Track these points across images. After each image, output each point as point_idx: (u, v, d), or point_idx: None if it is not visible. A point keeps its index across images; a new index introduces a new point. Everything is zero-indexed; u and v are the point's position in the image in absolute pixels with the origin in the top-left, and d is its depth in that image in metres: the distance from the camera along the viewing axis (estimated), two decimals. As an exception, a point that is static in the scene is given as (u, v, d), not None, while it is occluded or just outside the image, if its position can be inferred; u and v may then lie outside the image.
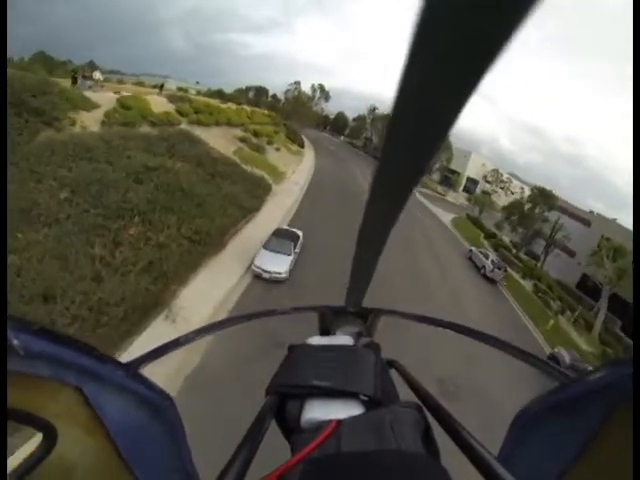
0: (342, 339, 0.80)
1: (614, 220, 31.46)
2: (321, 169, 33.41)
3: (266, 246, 12.97)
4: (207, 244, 12.08)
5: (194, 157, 16.97)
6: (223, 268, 11.67)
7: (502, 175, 64.36)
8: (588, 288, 27.97)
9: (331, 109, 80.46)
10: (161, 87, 32.76)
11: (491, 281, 22.50)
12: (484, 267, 22.93)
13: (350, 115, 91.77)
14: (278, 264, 12.22)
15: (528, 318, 19.65)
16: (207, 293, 10.28)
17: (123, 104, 19.48)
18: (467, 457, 0.44)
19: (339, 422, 0.50)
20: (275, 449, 0.72)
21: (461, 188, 63.09)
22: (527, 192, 74.93)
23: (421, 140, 0.31)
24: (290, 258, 12.74)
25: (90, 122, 16.74)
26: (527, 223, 33.53)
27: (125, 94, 21.43)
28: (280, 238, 13.56)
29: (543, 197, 34.15)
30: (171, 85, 51.33)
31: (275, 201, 19.59)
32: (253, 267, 12.03)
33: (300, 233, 14.61)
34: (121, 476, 0.54)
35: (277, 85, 55.00)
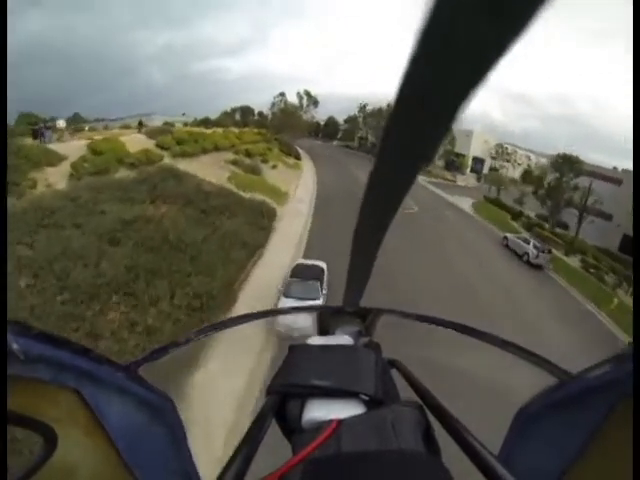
0: (342, 339, 0.81)
1: None
2: (324, 179, 30.83)
3: (287, 293, 10.23)
4: (211, 307, 9.40)
5: (181, 196, 14.33)
6: (236, 340, 8.82)
7: (507, 148, 61.41)
8: (630, 249, 25.66)
9: (321, 116, 78.25)
10: (140, 124, 29.76)
11: (536, 267, 19.74)
12: (527, 254, 20.29)
13: (340, 118, 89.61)
14: (306, 315, 9.35)
15: (588, 302, 17.02)
16: (221, 387, 7.50)
17: (94, 150, 17.07)
18: (468, 456, 0.45)
19: (340, 422, 0.50)
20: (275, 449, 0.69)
21: (468, 170, 59.89)
22: (533, 159, 71.99)
23: (418, 140, 0.31)
24: (319, 303, 9.79)
25: (56, 178, 14.33)
26: (557, 195, 30.21)
27: (97, 138, 19.10)
28: (301, 279, 10.77)
29: (568, 164, 30.90)
30: (157, 122, 49.39)
31: (283, 228, 16.93)
32: (276, 327, 9.08)
33: (324, 265, 11.78)
34: (122, 478, 0.54)
35: (262, 102, 53.35)
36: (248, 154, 28.51)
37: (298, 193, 23.77)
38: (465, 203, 33.76)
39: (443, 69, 0.22)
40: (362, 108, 69.81)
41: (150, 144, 21.07)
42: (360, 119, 71.99)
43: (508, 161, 60.32)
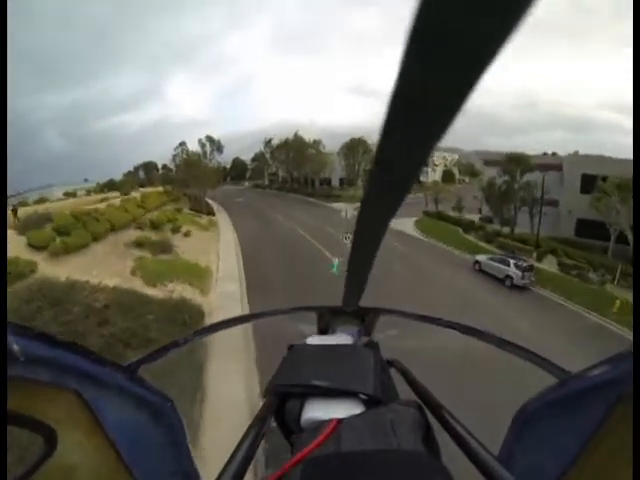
0: (341, 338, 0.83)
1: (576, 152, 30.60)
2: (246, 235, 27.77)
3: None
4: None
5: (63, 336, 10.43)
6: None
7: None
8: (587, 232, 26.25)
9: (228, 157, 75.49)
10: (14, 212, 22.13)
11: (521, 288, 17.98)
12: (509, 277, 18.37)
13: (248, 156, 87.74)
14: None
15: (591, 312, 15.65)
16: None
17: None
18: (467, 456, 0.46)
19: (339, 421, 0.50)
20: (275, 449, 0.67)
21: None
22: (449, 158, 75.60)
23: (415, 143, 0.31)
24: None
25: None
26: (511, 198, 29.52)
27: None
28: None
29: (517, 164, 29.93)
30: (57, 193, 46.52)
31: (219, 338, 13.00)
32: None
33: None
34: (121, 478, 0.54)
35: (166, 154, 49.63)
36: (154, 226, 24.65)
37: (222, 266, 20.56)
38: (406, 224, 31.76)
39: (438, 67, 0.22)
40: (267, 143, 68.48)
41: (21, 243, 16.45)
42: (267, 155, 70.55)
43: (426, 165, 62.57)
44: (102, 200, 28.85)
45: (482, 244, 26.22)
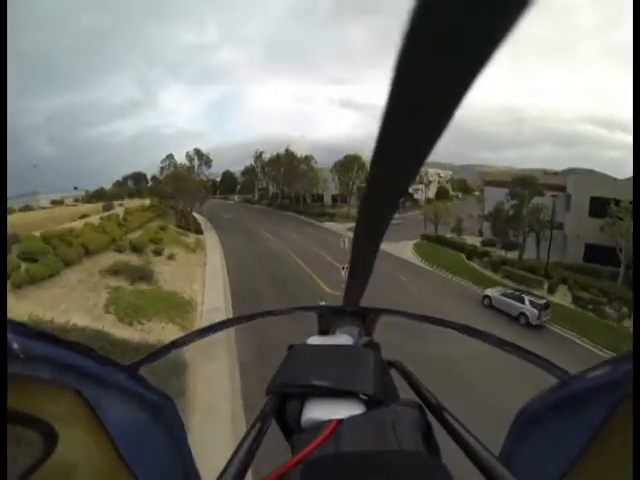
0: (341, 339, 0.83)
1: (590, 170, 29.46)
2: (235, 260, 25.97)
3: None
4: None
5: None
6: None
7: (420, 170, 62.83)
8: (596, 258, 24.78)
9: (218, 169, 74.01)
10: None
11: (536, 327, 16.33)
12: (524, 315, 16.62)
13: (238, 168, 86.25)
14: None
15: (608, 353, 14.00)
16: None
17: None
18: (467, 456, 0.46)
19: (339, 421, 0.50)
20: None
21: None
22: (442, 175, 73.75)
23: (412, 143, 0.32)
24: None
25: None
26: (519, 223, 27.44)
27: None
28: None
29: (527, 187, 27.91)
30: (44, 201, 45.12)
31: (202, 398, 9.75)
32: None
33: None
34: (122, 477, 0.54)
35: (155, 165, 48.29)
36: (135, 248, 22.75)
37: (208, 297, 18.70)
38: (404, 249, 29.87)
39: (434, 66, 0.22)
40: (258, 157, 66.72)
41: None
42: (258, 169, 68.89)
43: (421, 182, 60.58)
44: (82, 217, 26.84)
45: (487, 273, 24.77)
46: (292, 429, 0.57)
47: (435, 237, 33.47)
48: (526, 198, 27.47)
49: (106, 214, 28.20)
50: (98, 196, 48.33)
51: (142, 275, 18.75)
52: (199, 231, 36.78)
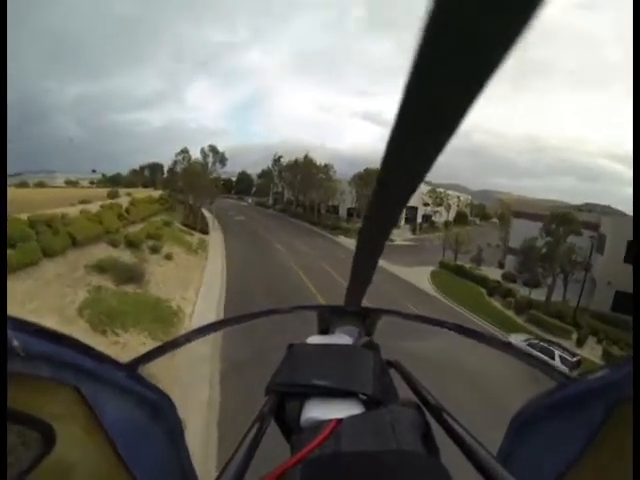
0: (341, 338, 0.83)
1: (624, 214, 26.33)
2: (237, 269, 23.92)
3: None
4: None
5: None
6: None
7: (441, 192, 60.19)
8: (626, 308, 21.51)
9: (236, 168, 72.94)
10: None
11: None
12: None
13: (256, 170, 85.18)
14: None
15: None
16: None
17: None
18: (466, 457, 0.46)
19: (339, 421, 0.50)
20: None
21: (402, 222, 57.39)
22: (462, 198, 71.49)
23: (420, 150, 0.32)
24: None
25: None
26: (552, 263, 24.74)
27: None
28: None
29: (564, 225, 25.42)
30: (58, 180, 44.95)
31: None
32: None
33: None
34: (120, 476, 0.54)
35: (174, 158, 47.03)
36: (131, 243, 21.00)
37: (199, 307, 16.66)
38: (421, 275, 27.52)
39: (448, 69, 0.22)
40: (276, 161, 64.88)
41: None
42: (275, 173, 67.30)
43: (441, 205, 59.21)
44: (82, 202, 25.20)
45: (509, 313, 22.55)
46: (291, 429, 0.57)
47: (454, 267, 31.01)
48: (562, 237, 25.03)
49: (108, 202, 26.56)
50: (114, 181, 48.05)
51: (131, 275, 16.91)
52: (205, 231, 35.09)
